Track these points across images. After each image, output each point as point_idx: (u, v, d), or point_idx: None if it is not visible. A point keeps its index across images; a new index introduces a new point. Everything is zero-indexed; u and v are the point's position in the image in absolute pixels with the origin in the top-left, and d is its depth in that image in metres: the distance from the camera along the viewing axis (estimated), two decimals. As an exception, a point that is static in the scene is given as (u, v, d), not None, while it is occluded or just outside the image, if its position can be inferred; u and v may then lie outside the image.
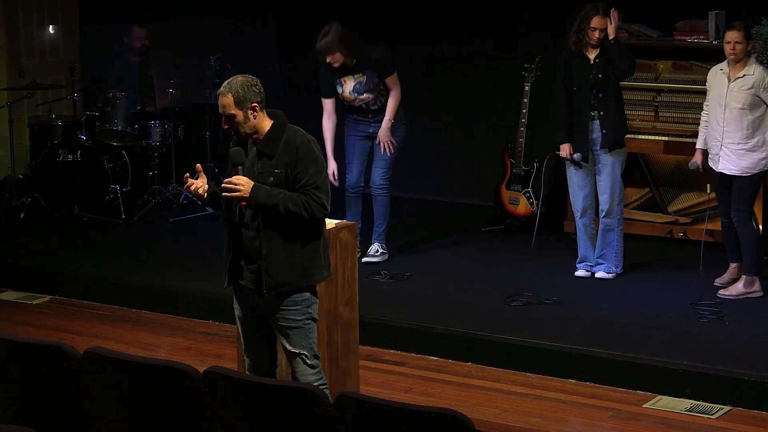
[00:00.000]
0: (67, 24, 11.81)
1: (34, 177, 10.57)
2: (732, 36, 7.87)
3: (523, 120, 9.54)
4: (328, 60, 8.58)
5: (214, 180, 10.24)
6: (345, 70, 8.69)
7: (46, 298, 8.97)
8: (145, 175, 10.76)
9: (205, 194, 5.67)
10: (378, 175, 8.89)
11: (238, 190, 5.51)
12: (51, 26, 11.70)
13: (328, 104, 8.79)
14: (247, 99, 5.53)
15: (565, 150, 8.35)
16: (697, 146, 8.22)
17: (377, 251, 9.00)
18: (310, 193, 5.53)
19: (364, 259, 8.85)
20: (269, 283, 5.58)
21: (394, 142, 8.81)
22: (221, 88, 5.59)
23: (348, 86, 8.73)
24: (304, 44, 11.04)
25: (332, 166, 8.65)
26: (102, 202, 10.37)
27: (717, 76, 8.06)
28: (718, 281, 8.26)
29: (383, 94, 8.79)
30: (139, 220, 10.29)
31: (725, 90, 7.94)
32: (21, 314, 8.63)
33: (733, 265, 8.28)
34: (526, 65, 9.58)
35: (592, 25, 8.19)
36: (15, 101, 10.63)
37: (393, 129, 8.81)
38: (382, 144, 8.79)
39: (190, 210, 10.37)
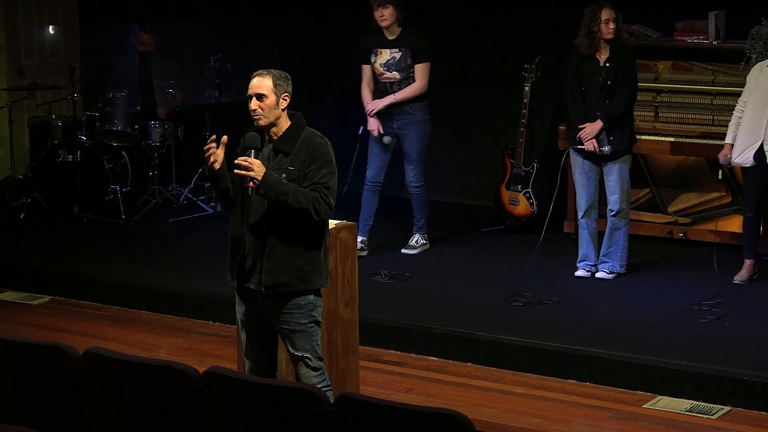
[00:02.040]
0: (67, 24, 11.81)
1: (34, 177, 10.57)
2: None
3: (523, 120, 9.54)
4: (377, 15, 8.80)
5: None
6: (385, 42, 8.88)
7: (46, 298, 8.97)
8: (145, 175, 10.76)
9: (217, 165, 5.57)
10: (411, 175, 9.09)
11: (251, 170, 5.49)
12: (51, 26, 11.71)
13: (366, 70, 9.00)
14: (281, 86, 5.57)
15: (590, 142, 8.25)
16: (726, 141, 8.15)
17: (417, 242, 9.22)
18: (320, 191, 5.53)
19: (404, 250, 9.17)
20: (268, 282, 5.57)
21: (380, 107, 8.91)
22: (259, 71, 5.60)
23: (381, 58, 8.92)
24: (304, 44, 11.09)
25: (374, 125, 8.94)
26: (102, 202, 10.37)
27: (763, 72, 8.03)
28: (737, 279, 8.28)
29: (408, 83, 8.93)
30: (139, 220, 10.29)
31: None
32: (21, 314, 8.63)
33: (748, 262, 8.30)
34: (526, 65, 9.57)
35: (604, 18, 8.15)
36: (15, 101, 10.63)
37: (416, 124, 8.97)
38: (370, 106, 8.95)
39: (190, 210, 10.38)
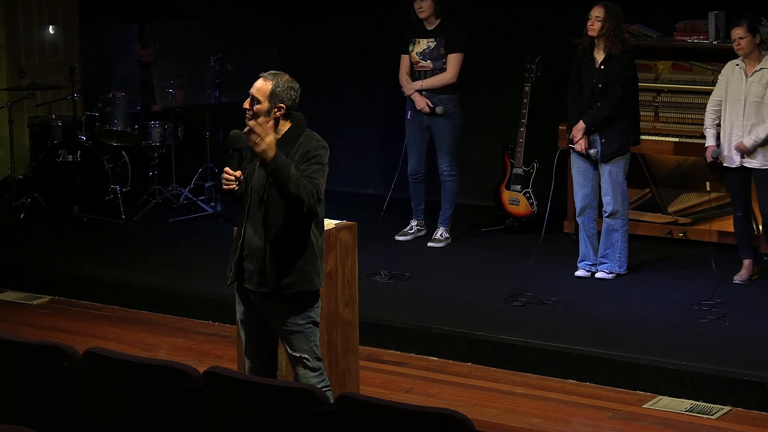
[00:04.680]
0: (67, 24, 11.82)
1: (34, 177, 10.57)
2: (735, 33, 7.98)
3: (523, 120, 9.54)
4: (416, 6, 9.07)
5: (214, 181, 10.32)
6: (423, 32, 9.14)
7: (46, 298, 8.97)
8: (145, 175, 10.77)
9: (236, 186, 5.58)
10: (445, 165, 9.30)
11: (263, 141, 5.33)
12: (51, 26, 11.71)
13: (405, 60, 9.29)
14: (279, 96, 5.51)
15: (579, 143, 8.27)
16: (707, 144, 8.21)
17: (442, 235, 9.37)
18: (311, 181, 5.46)
19: (429, 244, 9.34)
20: (272, 285, 5.57)
21: (431, 104, 9.16)
22: (266, 74, 5.56)
23: (419, 47, 9.18)
24: (304, 44, 11.08)
25: (422, 102, 9.13)
26: (102, 202, 10.37)
27: (734, 71, 8.10)
28: (737, 279, 8.30)
29: (441, 72, 9.18)
30: (139, 220, 10.29)
31: (744, 84, 8.01)
32: (21, 314, 8.63)
33: (747, 262, 8.32)
34: (526, 65, 9.58)
35: (589, 15, 8.19)
36: (15, 101, 10.64)
37: (446, 116, 9.15)
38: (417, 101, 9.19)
39: (190, 210, 10.38)
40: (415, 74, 9.21)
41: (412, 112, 9.27)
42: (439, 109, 9.12)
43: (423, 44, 9.16)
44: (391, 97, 10.13)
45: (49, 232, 10.15)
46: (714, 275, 8.37)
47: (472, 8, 10.31)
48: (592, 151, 8.28)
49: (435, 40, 9.12)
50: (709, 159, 8.25)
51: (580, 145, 8.28)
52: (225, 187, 5.59)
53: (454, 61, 9.11)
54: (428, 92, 9.16)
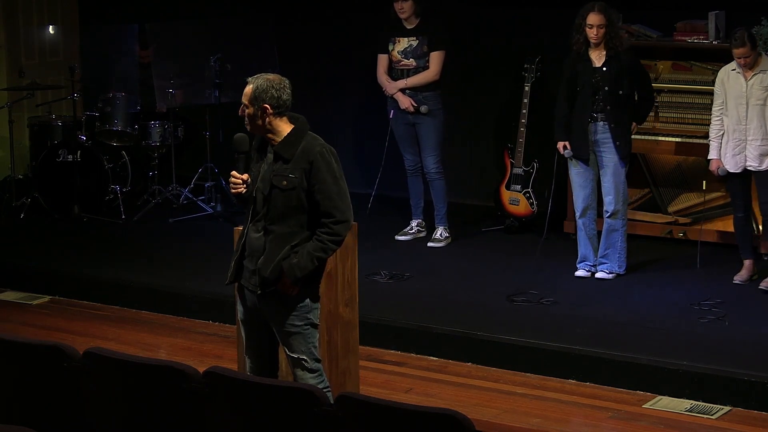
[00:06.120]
0: (67, 24, 11.82)
1: (34, 177, 10.57)
2: (739, 52, 7.92)
3: (523, 120, 9.54)
4: (396, 6, 9.10)
5: (214, 181, 10.32)
6: (403, 31, 9.15)
7: (46, 298, 8.97)
8: (145, 175, 10.77)
9: (244, 190, 5.63)
10: (431, 163, 9.30)
11: (286, 290, 5.55)
12: (51, 26, 11.71)
13: (383, 59, 9.30)
14: (259, 98, 5.50)
15: (560, 146, 8.38)
16: (711, 157, 8.22)
17: (441, 235, 9.38)
18: (327, 227, 5.50)
19: (429, 244, 9.34)
20: (272, 286, 5.56)
21: (414, 102, 9.17)
22: (251, 77, 5.58)
23: (399, 46, 9.19)
24: (304, 45, 11.08)
25: (406, 101, 9.15)
26: (102, 202, 10.37)
27: (731, 77, 8.08)
28: (737, 279, 8.30)
29: (424, 70, 9.21)
30: (139, 220, 10.29)
31: (744, 88, 7.99)
32: (21, 314, 8.63)
33: (747, 262, 8.32)
34: (526, 65, 9.59)
35: (588, 23, 8.20)
36: (15, 101, 10.64)
37: (429, 114, 9.16)
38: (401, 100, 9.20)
39: (190, 210, 10.38)
40: (396, 73, 9.22)
41: (395, 111, 9.28)
42: (423, 108, 9.14)
43: (404, 43, 9.17)
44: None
45: (49, 232, 10.15)
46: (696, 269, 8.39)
47: (472, 8, 10.32)
48: (566, 152, 8.35)
49: (417, 39, 9.14)
50: (717, 174, 8.24)
51: (560, 147, 8.35)
52: (233, 190, 5.60)
53: (436, 58, 9.13)
54: (411, 90, 9.18)
